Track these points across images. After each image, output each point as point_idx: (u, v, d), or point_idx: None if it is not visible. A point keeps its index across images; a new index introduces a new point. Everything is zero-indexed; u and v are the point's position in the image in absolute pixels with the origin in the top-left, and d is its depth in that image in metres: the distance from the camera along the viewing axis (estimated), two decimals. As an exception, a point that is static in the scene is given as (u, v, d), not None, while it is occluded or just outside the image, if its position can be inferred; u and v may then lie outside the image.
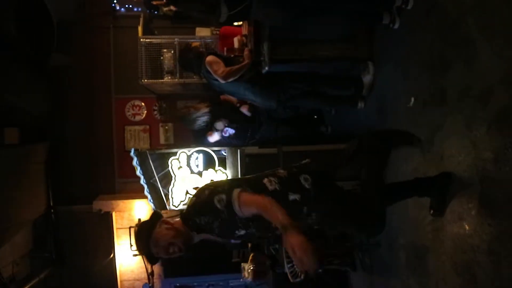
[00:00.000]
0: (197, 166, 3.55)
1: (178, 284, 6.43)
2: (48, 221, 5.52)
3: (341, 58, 3.56)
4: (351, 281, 4.41)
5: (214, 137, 4.05)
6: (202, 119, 3.89)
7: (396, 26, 3.11)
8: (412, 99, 2.92)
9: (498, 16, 2.09)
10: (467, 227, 2.33)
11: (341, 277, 4.40)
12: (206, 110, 3.91)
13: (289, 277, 3.77)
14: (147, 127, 6.34)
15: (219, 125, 3.96)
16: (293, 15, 3.00)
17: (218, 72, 3.42)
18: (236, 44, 4.34)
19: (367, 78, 3.54)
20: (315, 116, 4.66)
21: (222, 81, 3.41)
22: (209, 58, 3.50)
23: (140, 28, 5.40)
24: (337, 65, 3.79)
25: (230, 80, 3.41)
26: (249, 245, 4.24)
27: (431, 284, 2.74)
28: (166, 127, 6.29)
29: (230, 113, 4.12)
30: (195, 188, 3.43)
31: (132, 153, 3.52)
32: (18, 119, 4.93)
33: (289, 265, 3.81)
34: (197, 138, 4.16)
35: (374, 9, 3.10)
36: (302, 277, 3.70)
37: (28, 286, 4.87)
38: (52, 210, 5.52)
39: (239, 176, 3.58)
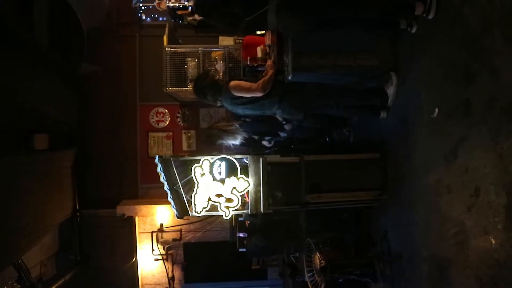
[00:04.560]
0: (220, 173, 3.59)
1: (198, 290, 6.48)
2: (74, 224, 5.68)
3: (364, 68, 3.56)
4: (372, 292, 4.36)
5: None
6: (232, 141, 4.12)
7: (414, 30, 3.10)
8: (436, 110, 2.89)
9: (525, 28, 2.07)
10: (493, 241, 2.29)
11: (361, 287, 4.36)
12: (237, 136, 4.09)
13: (310, 286, 3.77)
14: (170, 133, 6.48)
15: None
16: (310, 25, 3.02)
17: (253, 87, 3.37)
18: (259, 54, 4.41)
19: (390, 90, 3.53)
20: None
21: (260, 94, 3.35)
22: (233, 82, 3.46)
23: (165, 38, 5.54)
24: (360, 76, 3.79)
25: (268, 89, 3.37)
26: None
27: (455, 298, 2.70)
28: (189, 134, 6.41)
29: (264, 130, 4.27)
30: None
31: (156, 160, 3.59)
32: (47, 126, 5.12)
33: (309, 274, 3.81)
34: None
35: (392, 18, 3.10)
36: (322, 286, 3.69)
37: (54, 286, 5.02)
38: (77, 214, 5.68)
39: (261, 184, 3.61)
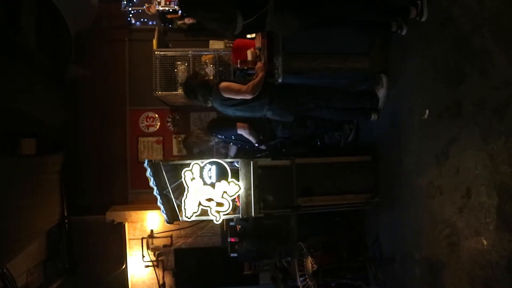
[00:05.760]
0: (210, 177, 3.53)
1: (189, 296, 6.40)
2: (62, 231, 5.57)
3: (354, 70, 3.56)
4: (365, 296, 4.33)
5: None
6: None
7: (404, 32, 3.11)
8: (427, 111, 2.89)
9: (514, 28, 2.07)
10: (484, 242, 2.28)
11: (354, 292, 4.32)
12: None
13: (302, 290, 3.72)
14: (161, 138, 6.42)
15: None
16: (308, 25, 3.00)
17: (242, 90, 3.35)
18: (249, 57, 4.39)
19: (381, 92, 3.52)
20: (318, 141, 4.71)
21: (249, 96, 3.34)
22: (223, 84, 3.45)
23: (154, 41, 5.49)
24: (351, 78, 3.78)
25: (257, 92, 3.35)
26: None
27: (448, 301, 2.68)
28: (179, 139, 6.35)
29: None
30: None
31: (145, 164, 3.53)
32: (35, 130, 5.03)
33: (301, 278, 3.76)
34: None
35: (386, 20, 3.11)
36: (314, 291, 3.65)
37: (41, 296, 4.91)
38: (66, 220, 5.57)
39: (252, 187, 3.57)
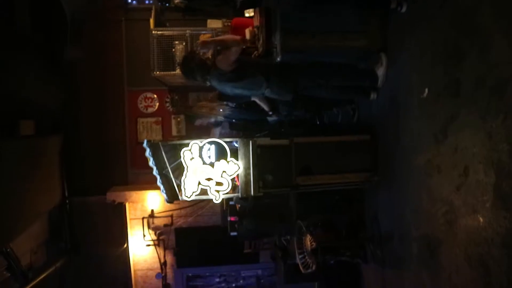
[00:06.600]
0: (209, 157, 3.54)
1: (190, 274, 6.52)
2: (63, 212, 5.63)
3: (353, 49, 3.52)
4: (363, 273, 4.41)
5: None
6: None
7: (404, 9, 3.07)
8: (426, 90, 2.87)
9: (515, 4, 2.05)
10: (481, 220, 2.31)
11: (352, 269, 4.41)
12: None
13: (301, 268, 3.79)
14: (160, 119, 6.41)
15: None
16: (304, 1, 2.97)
17: (235, 41, 3.41)
18: (247, 36, 4.33)
19: (380, 70, 3.50)
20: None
21: (242, 44, 3.42)
22: (218, 58, 3.51)
23: (152, 21, 5.42)
24: (350, 57, 3.75)
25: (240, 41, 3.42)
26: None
27: (444, 277, 2.73)
28: (178, 119, 6.34)
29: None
30: None
31: (144, 144, 3.54)
32: (33, 112, 5.02)
33: (300, 256, 3.82)
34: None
35: None
36: (313, 268, 3.72)
37: (45, 274, 4.99)
38: (67, 201, 5.62)
39: (251, 167, 3.59)
